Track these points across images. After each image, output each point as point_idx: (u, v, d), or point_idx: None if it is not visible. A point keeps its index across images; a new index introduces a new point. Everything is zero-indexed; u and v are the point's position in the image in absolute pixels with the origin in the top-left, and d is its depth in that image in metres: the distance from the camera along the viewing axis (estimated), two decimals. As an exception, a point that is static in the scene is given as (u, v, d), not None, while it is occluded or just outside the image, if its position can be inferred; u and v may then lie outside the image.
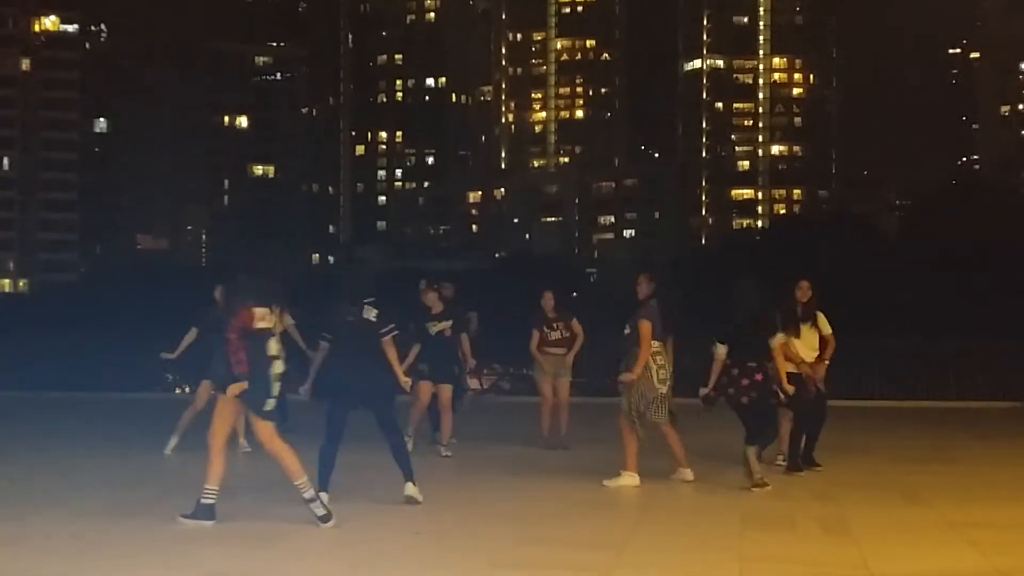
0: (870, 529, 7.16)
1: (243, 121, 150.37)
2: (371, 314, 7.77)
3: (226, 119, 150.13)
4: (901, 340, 18.45)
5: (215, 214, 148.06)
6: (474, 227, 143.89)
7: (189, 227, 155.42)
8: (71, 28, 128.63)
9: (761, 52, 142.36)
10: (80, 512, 7.72)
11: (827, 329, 9.80)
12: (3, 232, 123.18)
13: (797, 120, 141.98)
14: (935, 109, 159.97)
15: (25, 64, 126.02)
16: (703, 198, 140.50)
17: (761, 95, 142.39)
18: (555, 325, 11.21)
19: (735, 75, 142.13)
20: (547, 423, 11.18)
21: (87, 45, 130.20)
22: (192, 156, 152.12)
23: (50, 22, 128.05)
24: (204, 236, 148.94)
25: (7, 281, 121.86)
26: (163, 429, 10.76)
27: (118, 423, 11.33)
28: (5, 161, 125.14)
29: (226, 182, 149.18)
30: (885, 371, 17.01)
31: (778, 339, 8.97)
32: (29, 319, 40.76)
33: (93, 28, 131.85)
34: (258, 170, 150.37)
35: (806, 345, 9.71)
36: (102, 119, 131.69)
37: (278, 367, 7.12)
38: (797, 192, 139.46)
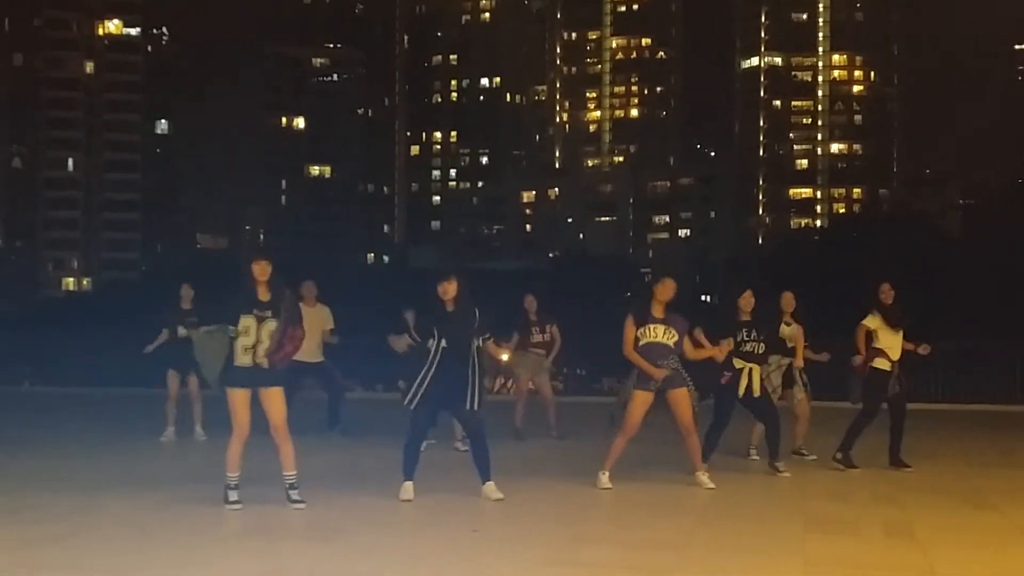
0: (936, 534, 7.01)
1: (300, 122, 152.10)
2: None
3: (283, 120, 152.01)
4: (966, 342, 18.06)
5: (272, 214, 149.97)
6: (528, 227, 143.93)
7: (247, 227, 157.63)
8: (134, 32, 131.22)
9: (820, 49, 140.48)
10: (148, 504, 7.85)
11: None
12: (68, 232, 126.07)
13: (857, 118, 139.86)
14: (1000, 106, 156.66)
15: (89, 67, 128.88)
16: (760, 197, 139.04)
17: (820, 92, 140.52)
18: (536, 328, 11.96)
19: (793, 72, 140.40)
20: (519, 417, 11.90)
21: (149, 48, 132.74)
22: (250, 157, 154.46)
23: (113, 26, 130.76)
24: (262, 236, 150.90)
25: (71, 280, 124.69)
26: (224, 423, 10.93)
27: (182, 417, 11.53)
28: (70, 162, 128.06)
29: (283, 182, 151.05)
30: (950, 374, 16.67)
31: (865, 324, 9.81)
32: (92, 317, 41.61)
33: (155, 31, 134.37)
34: (315, 170, 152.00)
35: (895, 344, 9.77)
36: (163, 121, 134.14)
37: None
38: (857, 191, 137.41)
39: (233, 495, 7.61)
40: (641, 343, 8.39)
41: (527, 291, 12.35)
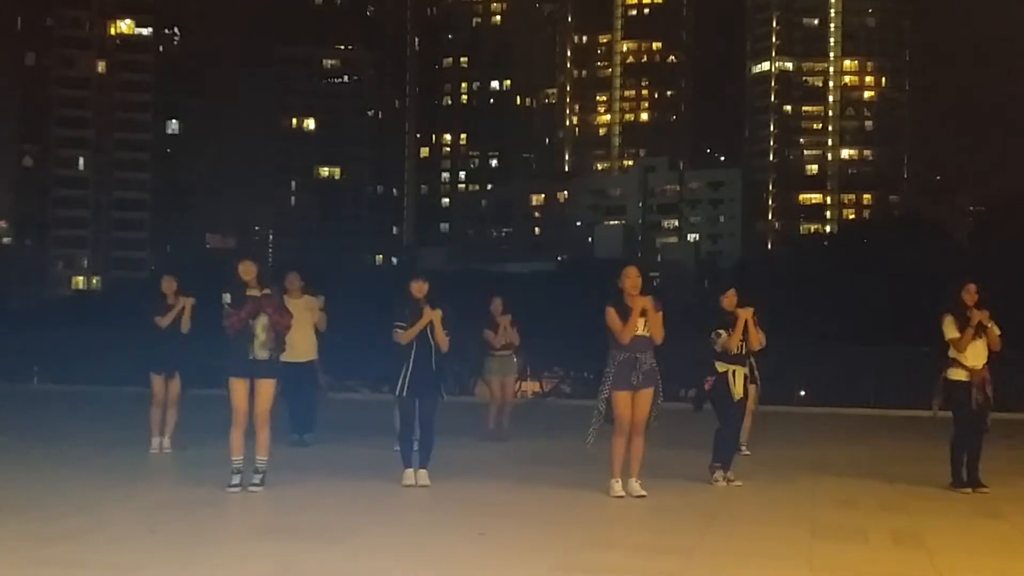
0: (944, 542, 6.99)
1: (310, 123, 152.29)
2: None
3: (294, 121, 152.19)
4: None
5: (282, 214, 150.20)
6: (537, 230, 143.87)
7: (256, 227, 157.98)
8: (145, 31, 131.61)
9: (832, 54, 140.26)
10: (155, 503, 7.87)
11: (996, 331, 8.98)
12: (77, 230, 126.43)
13: (868, 123, 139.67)
14: (1011, 111, 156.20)
15: (101, 66, 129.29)
16: (770, 202, 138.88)
17: (831, 98, 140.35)
18: (497, 328, 12.05)
19: (804, 78, 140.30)
20: (492, 418, 12.05)
21: (160, 48, 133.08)
22: (260, 157, 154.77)
23: (125, 25, 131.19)
24: (271, 236, 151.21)
25: (81, 278, 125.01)
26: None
27: (189, 418, 11.53)
28: (80, 161, 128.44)
29: (293, 183, 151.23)
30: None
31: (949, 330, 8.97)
32: (101, 315, 41.70)
33: (166, 31, 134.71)
34: (324, 171, 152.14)
35: (977, 351, 8.99)
36: (174, 120, 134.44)
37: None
38: (867, 197, 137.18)
39: (235, 479, 8.14)
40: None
41: (496, 294, 12.45)
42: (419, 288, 8.58)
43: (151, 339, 10.73)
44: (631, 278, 8.32)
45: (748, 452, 10.56)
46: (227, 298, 8.12)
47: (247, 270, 8.11)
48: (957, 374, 9.01)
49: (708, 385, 9.21)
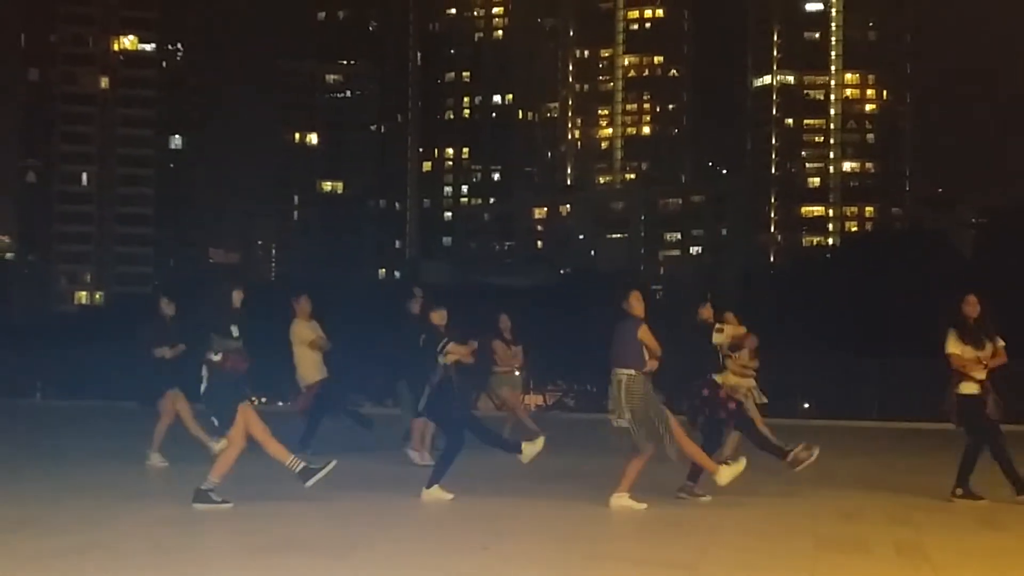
0: (948, 554, 6.97)
1: (313, 138, 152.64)
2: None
3: (296, 136, 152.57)
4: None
5: (284, 229, 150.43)
6: (539, 243, 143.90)
7: (259, 241, 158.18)
8: (148, 47, 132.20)
9: (833, 68, 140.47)
10: (159, 518, 7.86)
11: (1000, 342, 9.02)
12: (81, 245, 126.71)
13: (870, 136, 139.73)
14: (1013, 124, 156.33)
15: (104, 82, 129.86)
16: (772, 215, 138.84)
17: (832, 111, 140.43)
18: (509, 346, 12.13)
19: (806, 91, 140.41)
20: (511, 426, 12.15)
21: (163, 64, 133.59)
22: (263, 172, 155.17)
23: (128, 41, 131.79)
24: (274, 250, 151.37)
25: (84, 293, 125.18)
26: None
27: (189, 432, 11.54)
28: (84, 176, 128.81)
29: (296, 198, 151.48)
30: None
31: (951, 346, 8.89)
32: (105, 331, 41.72)
33: (169, 47, 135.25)
34: (327, 186, 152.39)
35: (979, 366, 8.98)
36: (177, 136, 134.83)
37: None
38: (869, 209, 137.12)
39: (216, 497, 8.21)
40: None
41: (502, 311, 12.50)
42: (440, 316, 8.96)
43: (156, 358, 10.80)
44: (639, 300, 8.48)
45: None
46: (213, 357, 8.14)
47: (238, 297, 8.30)
48: (969, 388, 8.94)
49: (732, 405, 9.12)
